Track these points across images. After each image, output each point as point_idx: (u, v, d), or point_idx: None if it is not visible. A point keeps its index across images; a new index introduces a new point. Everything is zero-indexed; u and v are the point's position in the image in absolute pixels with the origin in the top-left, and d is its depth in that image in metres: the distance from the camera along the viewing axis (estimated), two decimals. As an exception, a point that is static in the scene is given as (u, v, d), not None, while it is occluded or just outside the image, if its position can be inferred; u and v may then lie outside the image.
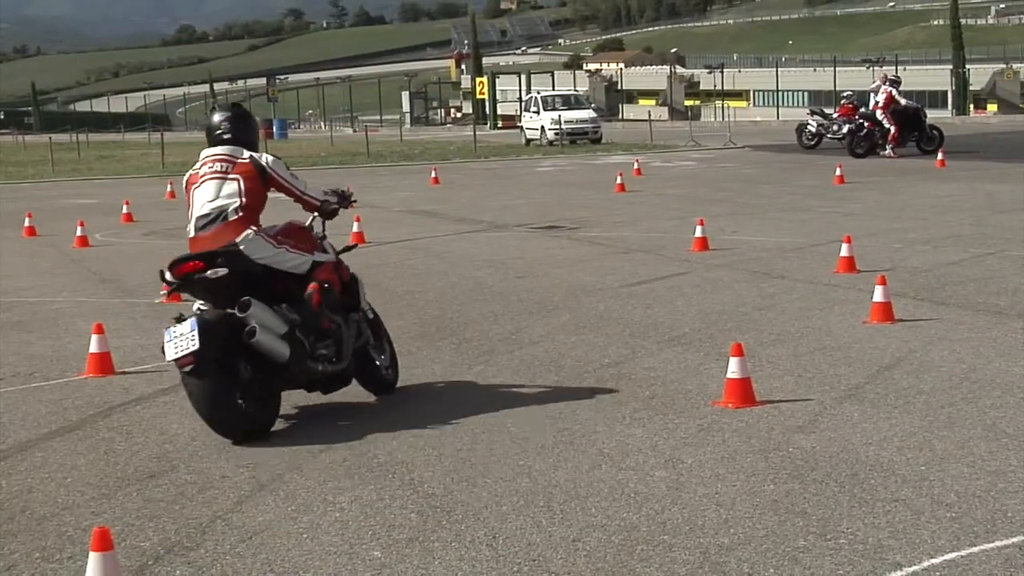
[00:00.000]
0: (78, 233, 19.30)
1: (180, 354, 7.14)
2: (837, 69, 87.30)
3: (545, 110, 53.39)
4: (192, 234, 8.06)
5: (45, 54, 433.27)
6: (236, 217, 7.84)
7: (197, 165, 8.15)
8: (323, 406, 8.23)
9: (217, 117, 8.33)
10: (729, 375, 7.87)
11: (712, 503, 5.95)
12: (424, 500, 6.18)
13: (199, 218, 7.96)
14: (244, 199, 7.90)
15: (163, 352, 7.29)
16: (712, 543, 5.42)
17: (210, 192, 7.94)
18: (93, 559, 4.64)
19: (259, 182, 8.06)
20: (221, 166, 8.00)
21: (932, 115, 38.30)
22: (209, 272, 7.49)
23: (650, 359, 9.38)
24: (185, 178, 8.22)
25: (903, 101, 33.92)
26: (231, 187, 7.94)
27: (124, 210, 23.79)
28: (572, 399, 8.16)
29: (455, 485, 6.40)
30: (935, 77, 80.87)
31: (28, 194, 34.24)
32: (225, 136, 8.18)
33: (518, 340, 10.36)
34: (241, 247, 7.61)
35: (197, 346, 7.09)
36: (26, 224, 21.50)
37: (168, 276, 7.63)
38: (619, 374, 8.88)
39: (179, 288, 7.68)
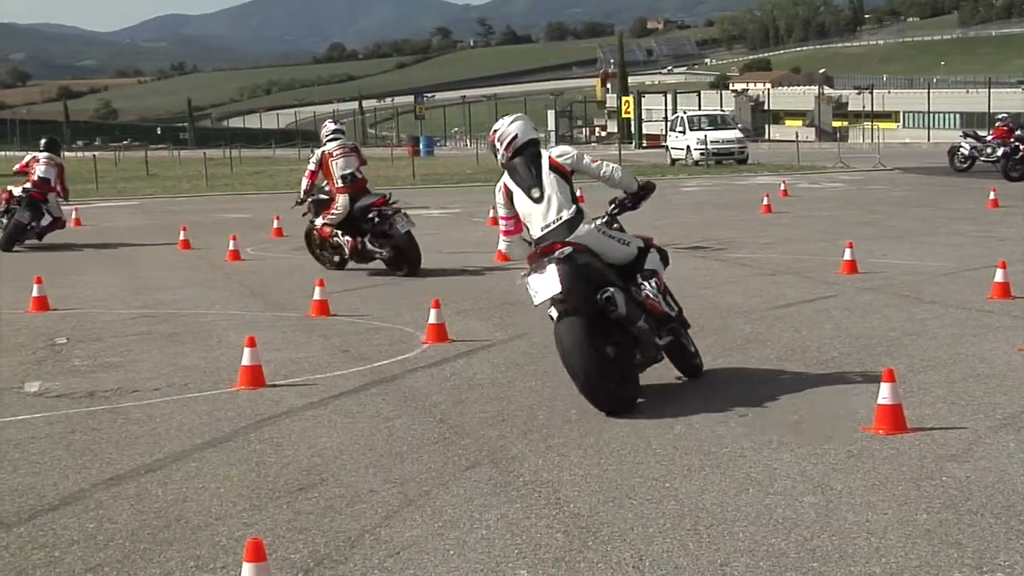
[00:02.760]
0: (230, 247, 19.70)
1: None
2: (992, 90, 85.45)
3: (691, 130, 53.20)
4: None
5: (200, 71, 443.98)
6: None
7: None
8: (468, 422, 8.27)
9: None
10: (880, 401, 7.73)
11: (863, 531, 5.85)
12: (570, 520, 6.17)
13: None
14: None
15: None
16: (863, 572, 5.33)
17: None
18: (247, 569, 4.73)
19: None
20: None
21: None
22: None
23: (798, 383, 9.26)
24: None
25: None
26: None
27: (275, 225, 24.23)
28: (718, 422, 8.09)
29: (601, 506, 6.39)
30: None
31: (183, 208, 35.09)
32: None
33: (663, 362, 10.29)
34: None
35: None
36: (181, 237, 22.02)
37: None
38: (766, 397, 8.78)
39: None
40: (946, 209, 26.12)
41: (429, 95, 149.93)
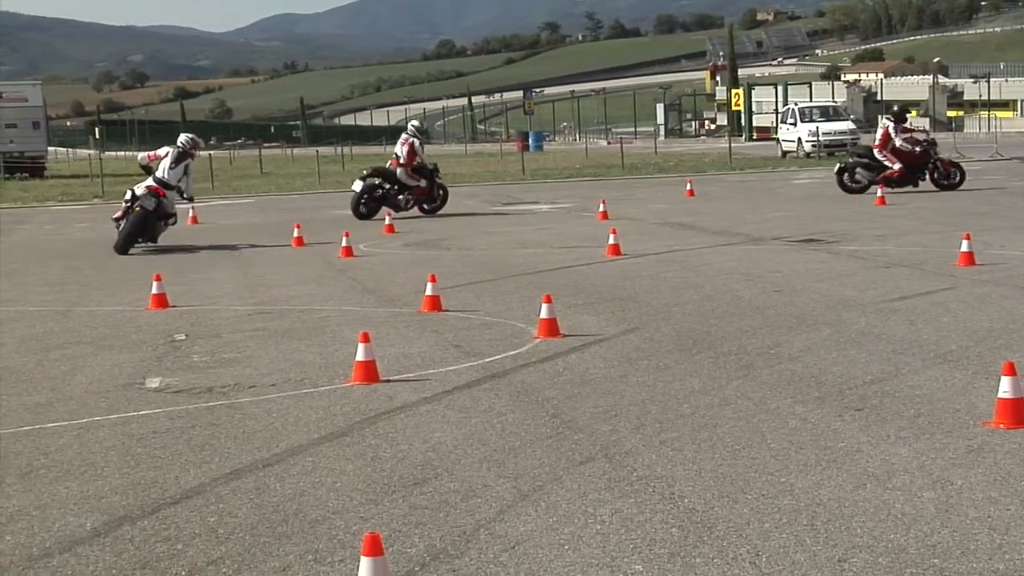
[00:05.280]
0: (343, 244, 19.90)
1: None
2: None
3: (802, 121, 52.64)
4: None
5: (312, 70, 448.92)
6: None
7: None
8: (580, 417, 8.27)
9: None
10: (1001, 395, 7.60)
11: (985, 527, 5.75)
12: (685, 515, 6.15)
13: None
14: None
15: None
16: (987, 568, 5.24)
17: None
18: (365, 563, 4.77)
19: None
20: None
21: None
22: None
23: (915, 376, 9.13)
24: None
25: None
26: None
27: (386, 221, 24.42)
28: (834, 416, 8.01)
29: (716, 501, 6.35)
30: None
31: (297, 205, 35.54)
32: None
33: (777, 355, 10.22)
34: None
35: None
36: (295, 235, 22.29)
37: None
38: (883, 391, 8.67)
39: None
40: (1067, 199, 25.56)
41: (538, 90, 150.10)
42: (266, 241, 23.28)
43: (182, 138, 23.44)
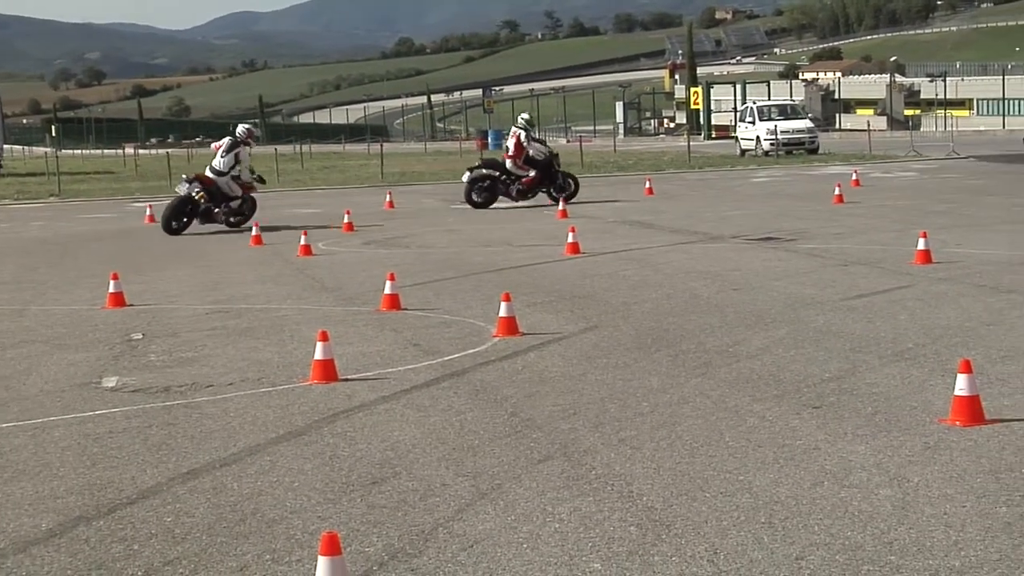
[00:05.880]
0: (302, 242, 19.82)
1: None
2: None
3: (761, 120, 52.83)
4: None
5: (271, 68, 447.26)
6: None
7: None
8: (539, 415, 8.26)
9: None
10: (957, 392, 7.64)
11: (941, 524, 5.79)
12: (643, 513, 6.16)
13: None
14: None
15: None
16: (942, 565, 5.27)
17: None
18: (322, 563, 4.75)
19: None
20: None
21: None
22: None
23: (872, 374, 9.18)
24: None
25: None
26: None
27: (345, 219, 24.35)
28: (792, 414, 8.04)
29: (674, 499, 6.36)
30: None
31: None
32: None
33: (735, 353, 10.25)
34: None
35: None
36: (253, 233, 22.18)
37: None
38: (840, 389, 8.71)
39: None
40: (1022, 197, 25.75)
41: (497, 88, 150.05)
42: (224, 239, 23.17)
43: (239, 128, 25.67)
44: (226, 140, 25.07)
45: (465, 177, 29.62)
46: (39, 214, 33.80)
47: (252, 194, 25.33)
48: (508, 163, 29.24)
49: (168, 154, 56.32)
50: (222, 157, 24.65)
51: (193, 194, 24.52)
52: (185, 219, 24.68)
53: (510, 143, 29.57)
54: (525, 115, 30.63)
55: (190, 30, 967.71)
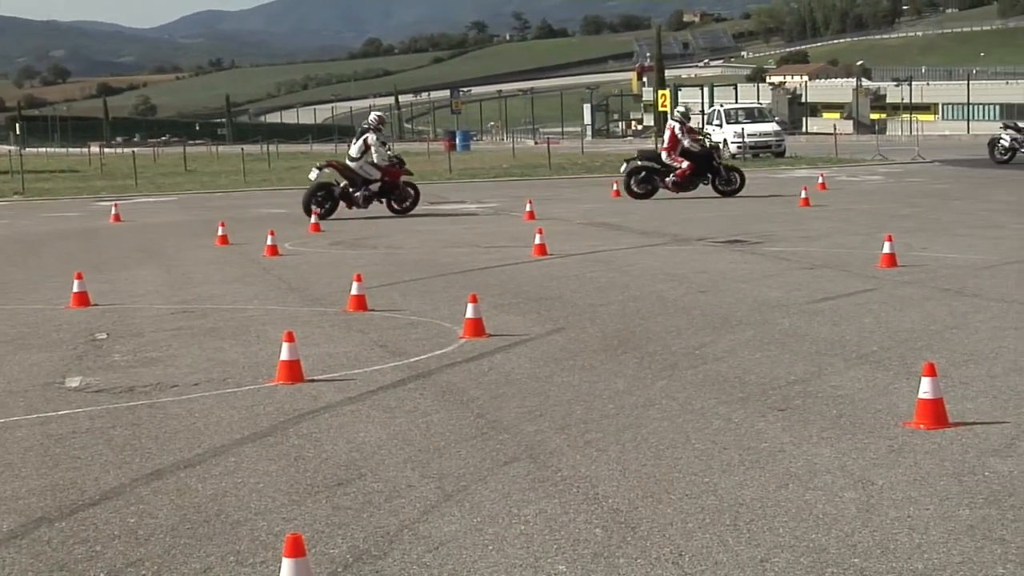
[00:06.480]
0: (268, 242, 19.75)
1: None
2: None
3: (728, 123, 53.04)
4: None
5: (238, 67, 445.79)
6: None
7: None
8: (505, 417, 8.26)
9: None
10: (921, 395, 7.68)
11: (904, 527, 5.81)
12: (609, 515, 6.16)
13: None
14: None
15: None
16: (906, 568, 5.29)
17: None
18: (286, 565, 4.73)
19: None
20: None
21: None
22: None
23: (837, 377, 9.21)
24: None
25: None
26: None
27: (312, 220, 24.27)
28: (758, 416, 8.06)
29: (640, 501, 6.37)
30: None
31: (221, 203, 35.23)
32: None
33: (702, 355, 10.27)
34: None
35: None
36: (219, 233, 22.09)
37: None
38: (805, 392, 8.74)
39: None
40: (987, 201, 25.93)
41: (465, 89, 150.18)
42: (190, 239, 23.07)
43: (371, 116, 27.71)
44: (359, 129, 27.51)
45: (623, 168, 30.69)
46: (3, 212, 33.57)
47: (405, 180, 27.31)
48: (663, 155, 29.82)
49: (134, 153, 56.00)
50: (354, 144, 26.92)
51: (333, 180, 26.77)
52: (328, 204, 26.40)
53: (665, 135, 30.37)
54: (681, 108, 31.77)
55: (156, 28, 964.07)
